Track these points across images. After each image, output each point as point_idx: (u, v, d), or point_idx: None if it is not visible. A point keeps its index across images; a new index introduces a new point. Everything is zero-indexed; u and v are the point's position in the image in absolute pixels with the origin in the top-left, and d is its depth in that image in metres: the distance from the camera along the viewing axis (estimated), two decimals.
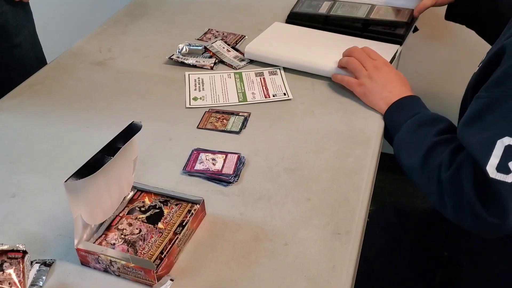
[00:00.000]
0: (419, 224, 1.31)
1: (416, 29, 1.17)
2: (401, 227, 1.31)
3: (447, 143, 0.76)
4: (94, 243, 0.65)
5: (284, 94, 0.98)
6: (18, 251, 0.58)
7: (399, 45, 1.07)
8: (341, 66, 0.99)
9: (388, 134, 0.91)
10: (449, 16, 1.18)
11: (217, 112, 0.92)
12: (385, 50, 1.04)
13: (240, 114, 0.92)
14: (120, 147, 0.63)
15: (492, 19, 1.08)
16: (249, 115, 0.91)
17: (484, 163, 0.66)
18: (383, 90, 0.92)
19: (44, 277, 0.62)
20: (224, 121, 0.90)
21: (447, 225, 1.26)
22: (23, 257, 0.58)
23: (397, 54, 1.07)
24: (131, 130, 0.65)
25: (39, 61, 1.27)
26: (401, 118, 0.86)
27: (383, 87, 0.92)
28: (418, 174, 0.78)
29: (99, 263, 0.63)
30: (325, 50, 1.06)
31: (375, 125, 0.90)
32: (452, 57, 1.64)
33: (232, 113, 0.92)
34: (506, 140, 0.66)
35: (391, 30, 1.11)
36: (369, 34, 1.11)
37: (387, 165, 1.10)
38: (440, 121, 0.82)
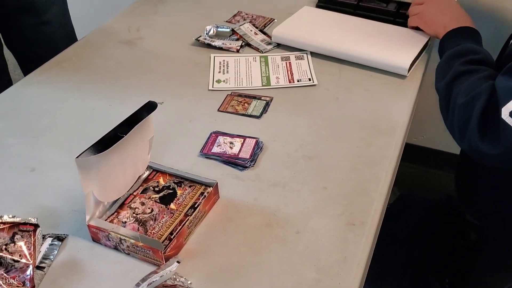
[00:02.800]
0: (434, 214, 1.29)
1: None
2: (415, 219, 1.29)
3: (471, 72, 0.79)
4: (106, 220, 0.65)
5: (309, 79, 0.95)
6: (30, 224, 0.59)
7: None
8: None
9: (440, 54, 0.93)
10: None
11: (239, 95, 0.91)
12: (416, 37, 1.00)
13: (262, 98, 0.90)
14: (135, 125, 0.63)
15: None
16: (271, 99, 0.90)
17: (503, 103, 0.69)
18: (441, 16, 0.95)
19: (56, 251, 0.63)
20: (246, 104, 0.89)
21: (461, 215, 1.25)
22: (34, 231, 0.58)
23: (430, 42, 1.03)
24: (148, 109, 0.65)
25: (69, 39, 1.28)
26: (448, 46, 0.89)
27: (441, 13, 0.96)
28: (441, 98, 0.82)
29: (109, 240, 0.63)
30: (354, 34, 1.03)
31: (402, 114, 0.87)
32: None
33: (254, 97, 0.90)
34: None
35: None
36: (401, 20, 1.07)
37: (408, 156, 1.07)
38: (474, 52, 0.83)
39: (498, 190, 0.90)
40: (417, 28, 1.03)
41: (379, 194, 0.71)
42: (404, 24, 1.06)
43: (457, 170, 1.04)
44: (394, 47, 0.99)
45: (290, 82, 0.95)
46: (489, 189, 0.93)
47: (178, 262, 0.59)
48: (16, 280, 0.57)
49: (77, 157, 0.57)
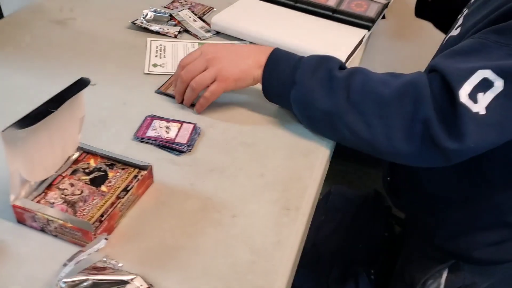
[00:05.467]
0: (361, 208, 1.34)
1: (384, 17, 1.17)
2: (345, 212, 1.33)
3: (359, 74, 0.72)
4: (32, 201, 0.62)
5: None
6: None
7: (367, 30, 1.06)
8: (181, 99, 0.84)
9: (271, 94, 0.81)
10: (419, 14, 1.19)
11: None
12: (353, 32, 1.03)
13: None
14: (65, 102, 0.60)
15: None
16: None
17: (458, 86, 0.65)
18: (238, 64, 0.79)
19: None
20: None
21: (387, 209, 1.30)
22: None
23: (365, 39, 1.06)
24: (79, 86, 0.62)
25: None
26: (286, 72, 0.76)
27: (235, 63, 0.79)
28: (347, 112, 0.71)
29: (36, 221, 0.60)
30: (293, 28, 1.04)
31: None
32: (420, 54, 1.65)
33: None
34: (487, 73, 0.65)
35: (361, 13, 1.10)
36: (339, 16, 1.10)
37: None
38: (328, 60, 0.77)
39: (422, 180, 0.94)
40: (339, 12, 1.04)
41: (313, 180, 0.73)
42: (342, 20, 1.08)
43: (386, 166, 1.08)
44: (330, 42, 1.01)
45: None
46: (414, 180, 0.97)
47: (105, 239, 0.56)
48: None
49: (3, 131, 0.53)
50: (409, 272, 1.06)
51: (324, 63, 0.77)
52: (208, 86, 0.80)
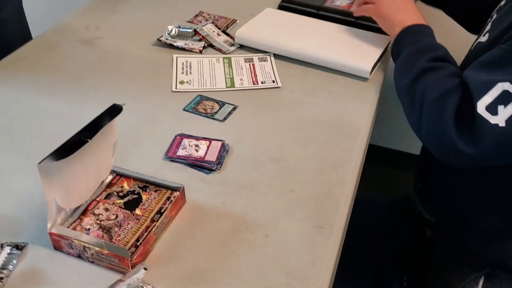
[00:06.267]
0: (391, 214, 1.33)
1: None
2: (374, 218, 1.32)
3: (437, 69, 0.78)
4: (68, 227, 0.63)
5: (273, 81, 0.95)
6: None
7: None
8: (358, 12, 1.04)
9: (394, 53, 0.92)
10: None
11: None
12: (377, 41, 1.02)
13: (228, 103, 0.89)
14: (99, 130, 0.61)
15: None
16: (235, 108, 0.89)
17: (477, 98, 0.69)
18: (398, 12, 0.93)
19: (14, 261, 0.60)
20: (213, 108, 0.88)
21: (418, 214, 1.29)
22: None
23: (390, 45, 1.05)
24: (112, 112, 0.63)
25: (24, 38, 1.22)
26: (405, 43, 0.88)
27: (397, 9, 0.94)
28: (404, 95, 0.81)
29: (73, 248, 0.61)
30: (317, 37, 1.04)
31: (365, 117, 0.88)
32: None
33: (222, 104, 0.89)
34: (506, 86, 0.68)
35: None
36: (362, 22, 1.09)
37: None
38: (436, 49, 0.84)
39: (455, 185, 0.93)
40: (363, 18, 1.06)
41: (345, 196, 0.72)
42: (366, 27, 1.07)
43: (416, 170, 1.06)
44: (356, 50, 1.00)
45: (254, 84, 0.95)
46: (447, 186, 0.96)
47: (145, 269, 0.57)
48: None
49: (39, 163, 0.54)
50: (443, 279, 1.04)
51: (430, 50, 0.84)
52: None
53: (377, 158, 0.98)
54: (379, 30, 1.06)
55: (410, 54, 0.85)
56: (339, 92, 0.94)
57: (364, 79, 0.97)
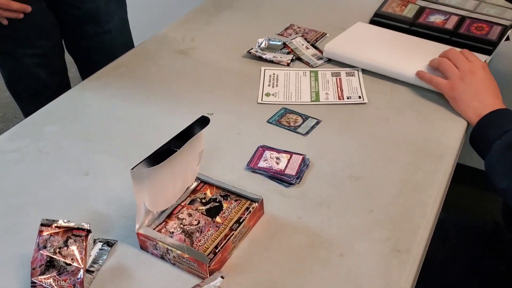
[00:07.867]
0: (477, 239, 1.26)
1: (507, 38, 1.10)
2: (458, 243, 1.26)
3: None
4: (154, 229, 0.67)
5: (359, 97, 0.95)
6: (83, 229, 0.61)
7: (488, 55, 1.00)
8: (433, 66, 0.95)
9: (474, 144, 0.87)
10: None
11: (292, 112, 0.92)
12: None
13: (312, 117, 0.90)
14: (188, 140, 0.64)
15: None
16: (318, 122, 0.89)
17: None
18: (474, 99, 0.87)
19: (105, 256, 0.65)
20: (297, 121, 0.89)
21: (507, 243, 1.20)
22: (86, 236, 0.61)
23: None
24: (200, 124, 0.67)
25: (127, 47, 1.32)
26: (490, 135, 0.82)
27: (474, 95, 0.88)
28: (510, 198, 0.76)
29: (157, 249, 0.65)
30: (408, 54, 1.02)
31: (452, 139, 0.85)
32: None
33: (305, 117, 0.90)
34: None
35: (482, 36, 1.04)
36: (457, 39, 1.05)
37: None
38: None
39: None
40: (458, 35, 1.02)
41: (426, 221, 0.70)
42: (461, 44, 1.03)
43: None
44: None
45: (339, 98, 0.95)
46: None
47: (222, 277, 0.60)
48: (67, 283, 0.59)
49: (132, 169, 0.59)
50: None
51: None
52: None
53: (463, 177, 0.94)
54: (476, 49, 1.02)
55: (503, 150, 0.79)
56: (427, 111, 0.92)
57: None
